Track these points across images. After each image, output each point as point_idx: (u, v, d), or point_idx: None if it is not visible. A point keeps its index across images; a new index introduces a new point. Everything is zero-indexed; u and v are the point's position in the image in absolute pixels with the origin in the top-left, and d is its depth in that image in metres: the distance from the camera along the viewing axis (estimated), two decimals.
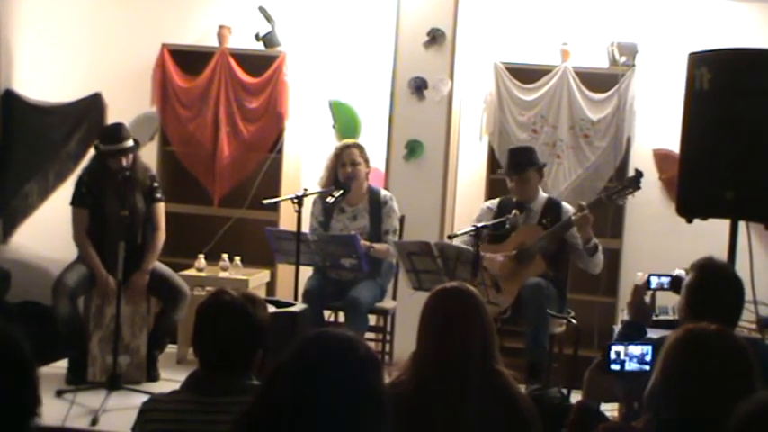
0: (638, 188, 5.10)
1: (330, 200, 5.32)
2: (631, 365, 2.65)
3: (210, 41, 6.53)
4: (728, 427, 1.83)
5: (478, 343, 2.80)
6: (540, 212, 5.36)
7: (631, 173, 6.06)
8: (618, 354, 2.65)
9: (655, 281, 3.79)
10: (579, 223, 5.10)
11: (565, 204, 5.40)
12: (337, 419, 1.82)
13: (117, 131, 5.29)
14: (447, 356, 2.78)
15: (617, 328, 4.46)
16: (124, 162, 5.22)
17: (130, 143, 5.27)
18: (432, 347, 2.82)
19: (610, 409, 3.94)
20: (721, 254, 4.12)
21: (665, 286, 3.81)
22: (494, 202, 5.51)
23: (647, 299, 3.72)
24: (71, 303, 5.19)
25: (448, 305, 2.85)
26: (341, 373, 1.85)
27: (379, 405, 1.88)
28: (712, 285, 3.22)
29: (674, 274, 3.84)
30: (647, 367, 2.60)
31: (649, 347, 2.65)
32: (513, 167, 5.36)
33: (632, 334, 3.47)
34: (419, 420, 2.72)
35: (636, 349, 2.67)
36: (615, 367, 2.66)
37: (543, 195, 5.44)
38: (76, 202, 5.35)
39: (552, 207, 5.38)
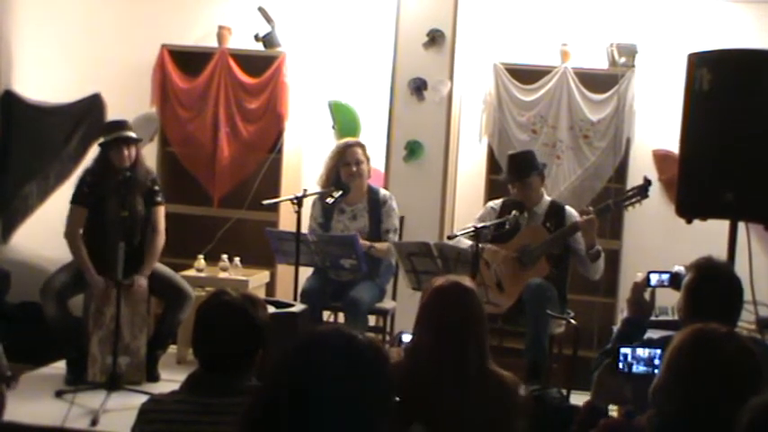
0: (647, 197, 5.06)
1: (330, 200, 5.32)
2: (639, 368, 2.65)
3: (210, 42, 6.53)
4: (734, 428, 1.83)
5: (473, 337, 2.82)
6: (544, 216, 5.33)
7: (631, 173, 6.06)
8: (625, 356, 2.65)
9: (654, 278, 3.79)
10: (585, 227, 5.09)
11: (568, 208, 5.35)
12: (339, 418, 1.81)
13: (119, 122, 5.29)
14: (442, 350, 2.79)
15: (616, 327, 4.45)
16: (126, 153, 5.18)
17: (133, 135, 5.26)
18: (427, 341, 2.83)
19: (610, 410, 3.94)
20: (721, 254, 4.12)
21: (665, 283, 3.80)
22: (497, 203, 5.49)
23: (647, 296, 3.72)
24: (59, 305, 5.16)
25: (445, 299, 2.86)
26: (344, 370, 1.83)
27: (384, 402, 1.86)
28: (711, 285, 3.22)
29: (674, 270, 3.84)
30: (656, 371, 2.59)
31: (658, 351, 2.64)
32: (515, 174, 5.31)
33: (631, 331, 3.47)
34: (412, 412, 2.72)
35: (644, 352, 2.66)
36: (623, 370, 2.66)
37: (546, 199, 5.40)
38: (77, 200, 5.30)
39: (556, 211, 5.34)
